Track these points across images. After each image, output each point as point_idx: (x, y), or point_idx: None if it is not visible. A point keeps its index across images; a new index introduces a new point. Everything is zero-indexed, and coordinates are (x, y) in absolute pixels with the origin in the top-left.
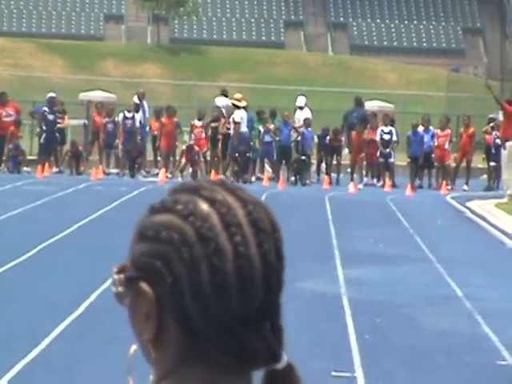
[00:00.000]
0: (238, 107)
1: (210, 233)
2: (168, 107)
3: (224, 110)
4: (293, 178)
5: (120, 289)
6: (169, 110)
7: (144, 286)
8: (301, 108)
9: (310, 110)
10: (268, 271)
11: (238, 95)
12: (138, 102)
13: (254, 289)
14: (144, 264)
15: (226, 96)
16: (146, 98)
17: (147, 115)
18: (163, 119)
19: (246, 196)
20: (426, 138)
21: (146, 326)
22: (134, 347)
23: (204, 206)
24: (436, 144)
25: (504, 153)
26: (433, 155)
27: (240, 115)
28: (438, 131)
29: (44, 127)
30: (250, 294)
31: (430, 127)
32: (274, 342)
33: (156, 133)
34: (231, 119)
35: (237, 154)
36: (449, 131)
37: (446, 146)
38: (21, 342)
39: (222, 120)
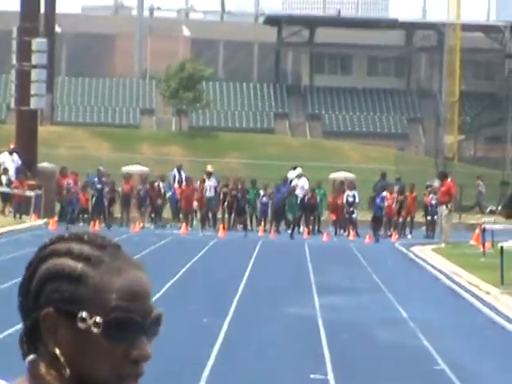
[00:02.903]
0: (210, 175)
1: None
2: (187, 178)
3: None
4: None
5: None
6: (187, 181)
7: None
8: (298, 176)
9: (306, 177)
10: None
11: (209, 167)
12: (176, 173)
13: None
14: None
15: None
16: (183, 169)
17: (183, 181)
18: (183, 187)
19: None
20: (377, 200)
21: None
22: None
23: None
24: (386, 204)
25: (445, 211)
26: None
27: (209, 184)
28: (388, 195)
29: (95, 193)
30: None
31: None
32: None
33: (178, 196)
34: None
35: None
36: (395, 195)
37: (394, 206)
38: None
39: (230, 186)
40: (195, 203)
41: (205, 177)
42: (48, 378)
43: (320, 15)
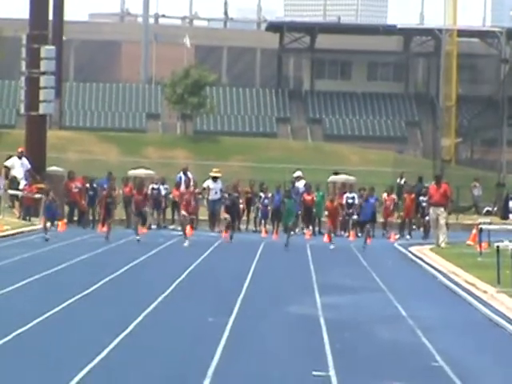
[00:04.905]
0: (216, 178)
1: None
2: (194, 180)
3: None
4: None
5: None
6: (193, 183)
7: None
8: (298, 178)
9: (304, 179)
10: None
11: (215, 169)
12: (182, 175)
13: None
14: None
15: (337, 174)
16: (189, 171)
17: (192, 183)
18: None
19: None
20: (372, 201)
21: None
22: None
23: None
24: (384, 206)
25: (444, 213)
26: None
27: (207, 184)
28: (385, 196)
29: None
30: None
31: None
32: None
33: (177, 199)
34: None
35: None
36: (393, 196)
37: (391, 208)
38: (86, 350)
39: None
40: (183, 212)
41: (210, 180)
42: None
43: (321, 22)
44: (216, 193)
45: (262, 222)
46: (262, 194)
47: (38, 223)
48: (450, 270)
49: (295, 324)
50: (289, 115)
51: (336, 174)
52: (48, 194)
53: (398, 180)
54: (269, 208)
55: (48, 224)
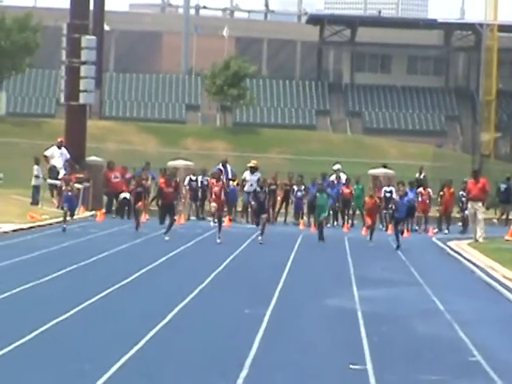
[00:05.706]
0: (253, 169)
1: None
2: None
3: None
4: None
5: None
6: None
7: None
8: (337, 171)
9: (344, 172)
10: None
11: (254, 161)
12: (221, 167)
13: None
14: None
15: (386, 167)
16: (228, 163)
17: (229, 176)
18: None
19: None
20: (411, 195)
21: None
22: None
23: None
24: (421, 200)
25: (483, 208)
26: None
27: (245, 175)
28: (421, 190)
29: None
30: None
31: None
32: None
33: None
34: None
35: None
36: (429, 190)
37: (427, 202)
38: (122, 344)
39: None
40: (213, 204)
41: (248, 171)
42: None
43: (361, 15)
44: (251, 185)
45: (300, 214)
46: (294, 187)
47: (77, 213)
48: (487, 264)
49: (333, 317)
50: (328, 108)
51: (385, 166)
52: (68, 184)
53: (417, 174)
54: (304, 201)
55: (68, 216)
